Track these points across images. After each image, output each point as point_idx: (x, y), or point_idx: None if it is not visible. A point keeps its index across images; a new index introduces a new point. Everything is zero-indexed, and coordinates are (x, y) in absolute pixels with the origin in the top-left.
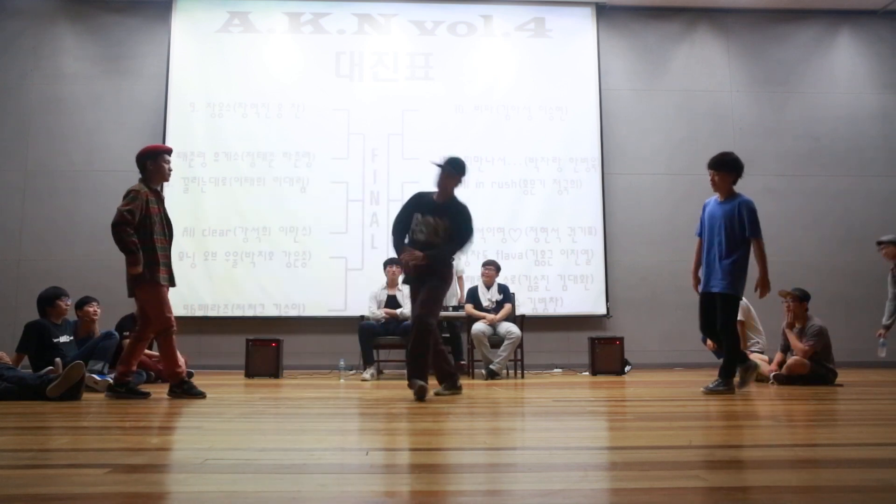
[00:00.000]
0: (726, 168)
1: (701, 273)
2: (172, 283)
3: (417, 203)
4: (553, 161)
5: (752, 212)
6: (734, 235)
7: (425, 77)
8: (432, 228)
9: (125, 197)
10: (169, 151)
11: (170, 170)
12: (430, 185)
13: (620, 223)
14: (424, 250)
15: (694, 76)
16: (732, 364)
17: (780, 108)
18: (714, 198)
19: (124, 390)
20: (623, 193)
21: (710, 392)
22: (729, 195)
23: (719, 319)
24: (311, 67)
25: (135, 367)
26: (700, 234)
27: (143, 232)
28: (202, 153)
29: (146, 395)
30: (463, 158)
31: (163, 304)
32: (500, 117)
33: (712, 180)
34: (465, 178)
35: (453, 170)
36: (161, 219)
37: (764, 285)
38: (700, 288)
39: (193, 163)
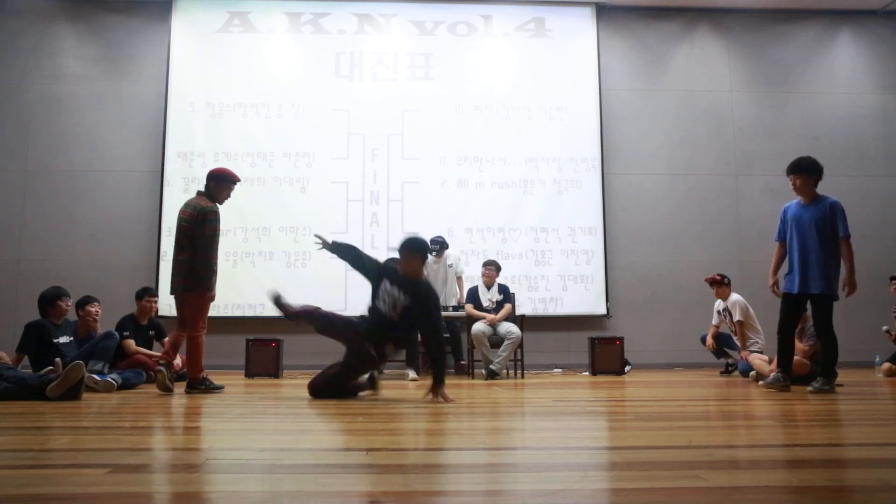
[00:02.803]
0: (805, 171)
1: (781, 276)
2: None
3: (389, 271)
4: (553, 161)
5: (842, 213)
6: (827, 237)
7: (425, 77)
8: (392, 302)
9: (208, 219)
10: (234, 180)
11: (227, 196)
12: (430, 187)
13: (620, 223)
14: (382, 324)
15: (694, 76)
16: (833, 363)
17: (779, 108)
18: (795, 202)
19: (202, 387)
20: (623, 193)
21: (815, 392)
22: (813, 198)
23: (816, 320)
24: (311, 67)
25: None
26: (780, 239)
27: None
28: (202, 153)
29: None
30: (422, 237)
31: (206, 311)
32: (500, 117)
33: (794, 185)
34: (429, 254)
35: (411, 251)
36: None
37: (852, 285)
38: (789, 289)
39: (193, 163)
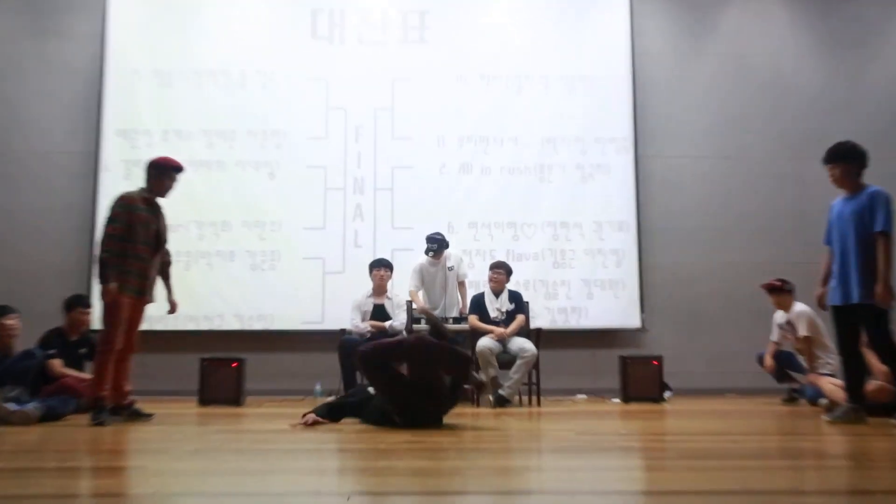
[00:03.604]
0: (844, 159)
1: (832, 285)
2: (142, 295)
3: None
4: (575, 142)
5: (883, 203)
6: (867, 234)
7: (420, 40)
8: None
9: (112, 204)
10: (178, 169)
11: (170, 187)
12: (426, 173)
13: (658, 216)
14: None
15: (749, 37)
16: None
17: (855, 76)
18: (841, 197)
19: (105, 414)
20: (661, 180)
21: None
22: (856, 189)
23: (867, 335)
24: (281, 27)
25: (106, 388)
26: (829, 242)
27: (122, 238)
28: (147, 131)
29: (147, 416)
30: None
31: (117, 317)
32: (510, 89)
33: (832, 176)
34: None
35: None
36: (149, 228)
37: (885, 293)
38: (831, 301)
39: (137, 142)
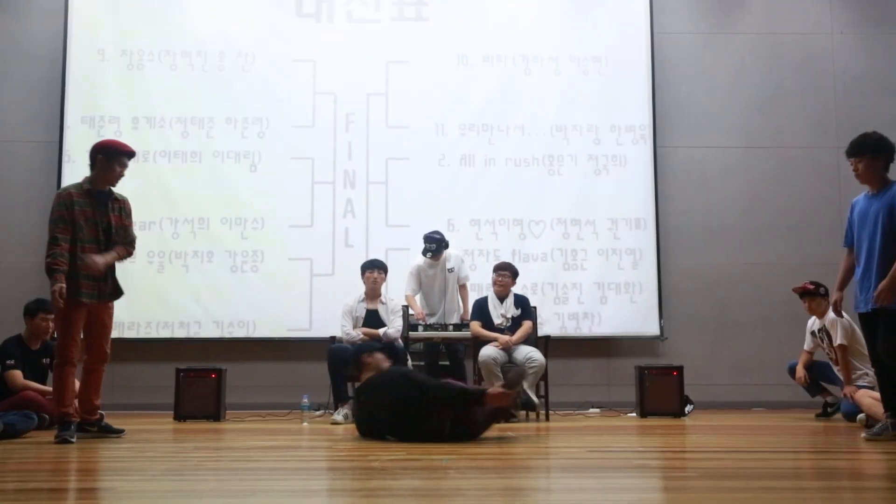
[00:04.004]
0: (869, 152)
1: (856, 292)
2: (100, 298)
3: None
4: (588, 130)
5: None
6: (892, 233)
7: (417, 17)
8: None
9: (51, 207)
10: (129, 155)
11: (120, 174)
12: (423, 165)
13: (679, 213)
14: None
15: (781, 13)
16: None
17: None
18: (864, 194)
19: (71, 431)
20: (683, 173)
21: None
22: (881, 185)
23: (881, 343)
24: (263, 4)
25: (70, 402)
26: (849, 244)
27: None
28: (115, 118)
29: (118, 432)
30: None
31: (71, 326)
32: (517, 72)
33: (855, 170)
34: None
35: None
36: (95, 223)
37: (882, 290)
38: (857, 309)
39: (104, 131)
